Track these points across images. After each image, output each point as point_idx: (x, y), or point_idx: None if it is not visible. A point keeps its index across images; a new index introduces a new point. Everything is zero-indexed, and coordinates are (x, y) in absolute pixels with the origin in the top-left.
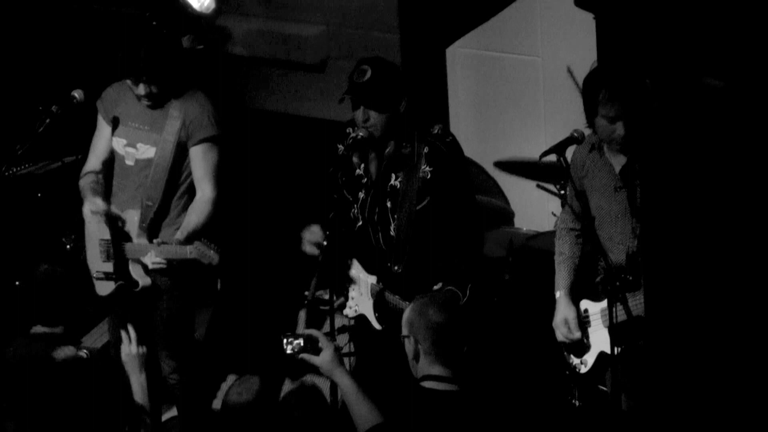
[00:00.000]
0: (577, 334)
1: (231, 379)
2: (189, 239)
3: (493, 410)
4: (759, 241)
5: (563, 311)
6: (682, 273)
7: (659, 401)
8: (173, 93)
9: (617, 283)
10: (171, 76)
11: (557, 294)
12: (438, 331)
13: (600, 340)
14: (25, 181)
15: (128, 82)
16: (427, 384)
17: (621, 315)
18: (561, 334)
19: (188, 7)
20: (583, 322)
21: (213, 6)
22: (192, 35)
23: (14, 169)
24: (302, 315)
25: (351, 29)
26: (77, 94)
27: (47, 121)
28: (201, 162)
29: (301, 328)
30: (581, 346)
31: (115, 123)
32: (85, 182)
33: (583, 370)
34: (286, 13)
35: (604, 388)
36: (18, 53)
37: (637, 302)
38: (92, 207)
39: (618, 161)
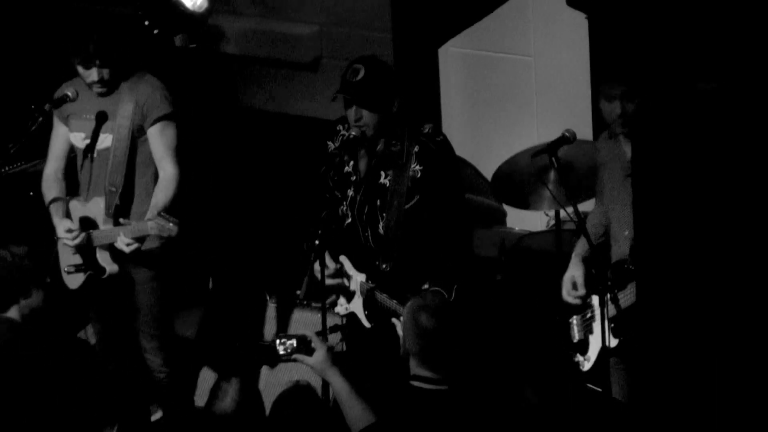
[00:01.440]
0: (582, 291)
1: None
2: None
3: (482, 410)
4: (753, 238)
5: (571, 269)
6: (674, 269)
7: (652, 397)
8: (123, 77)
9: (609, 282)
10: (122, 59)
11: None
12: (426, 338)
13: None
14: (17, 179)
15: (79, 69)
16: (415, 383)
17: (626, 303)
18: (564, 290)
19: (181, 6)
20: (589, 318)
21: (206, 5)
22: (184, 34)
23: (6, 168)
24: (271, 308)
25: (343, 28)
26: (70, 92)
27: (40, 119)
28: (159, 141)
29: (270, 324)
30: (585, 343)
31: (66, 114)
32: (48, 195)
33: (587, 366)
34: (279, 13)
35: (597, 388)
36: (11, 51)
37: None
38: (65, 234)
39: (631, 149)
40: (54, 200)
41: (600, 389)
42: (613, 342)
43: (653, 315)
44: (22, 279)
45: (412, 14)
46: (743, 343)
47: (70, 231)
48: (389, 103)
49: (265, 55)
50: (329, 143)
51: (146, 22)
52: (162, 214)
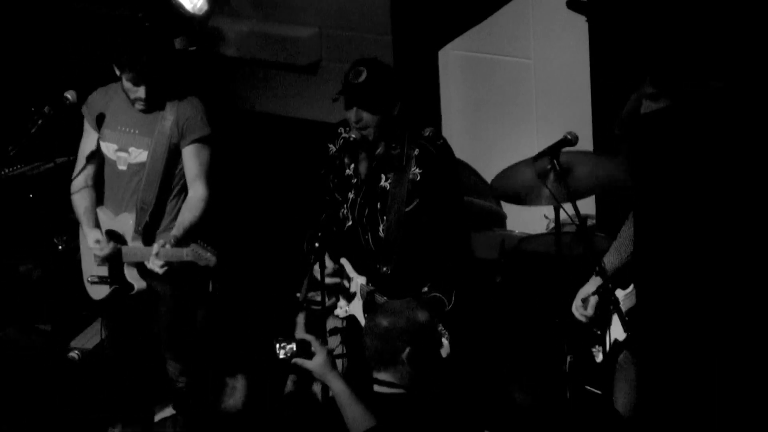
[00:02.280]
0: (590, 312)
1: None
2: (185, 237)
3: (439, 414)
4: (751, 240)
5: (590, 285)
6: (673, 272)
7: (651, 399)
8: (168, 95)
9: (610, 284)
10: (169, 79)
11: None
12: (383, 342)
13: (616, 327)
14: (17, 182)
15: (127, 84)
16: (375, 387)
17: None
18: (575, 304)
19: (181, 8)
20: (611, 309)
21: (205, 7)
22: (184, 36)
23: (6, 170)
24: (300, 318)
25: (343, 31)
26: (70, 95)
27: (39, 122)
28: (194, 162)
29: (299, 332)
30: (603, 336)
31: (99, 121)
32: (80, 205)
33: (600, 358)
34: (279, 15)
35: (596, 391)
36: (11, 54)
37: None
38: (93, 244)
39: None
40: (86, 209)
41: (599, 392)
42: (622, 336)
43: (653, 319)
44: None
45: (412, 17)
46: (743, 346)
47: (98, 242)
48: (390, 105)
49: (265, 57)
50: (330, 146)
51: (146, 24)
52: (200, 242)
